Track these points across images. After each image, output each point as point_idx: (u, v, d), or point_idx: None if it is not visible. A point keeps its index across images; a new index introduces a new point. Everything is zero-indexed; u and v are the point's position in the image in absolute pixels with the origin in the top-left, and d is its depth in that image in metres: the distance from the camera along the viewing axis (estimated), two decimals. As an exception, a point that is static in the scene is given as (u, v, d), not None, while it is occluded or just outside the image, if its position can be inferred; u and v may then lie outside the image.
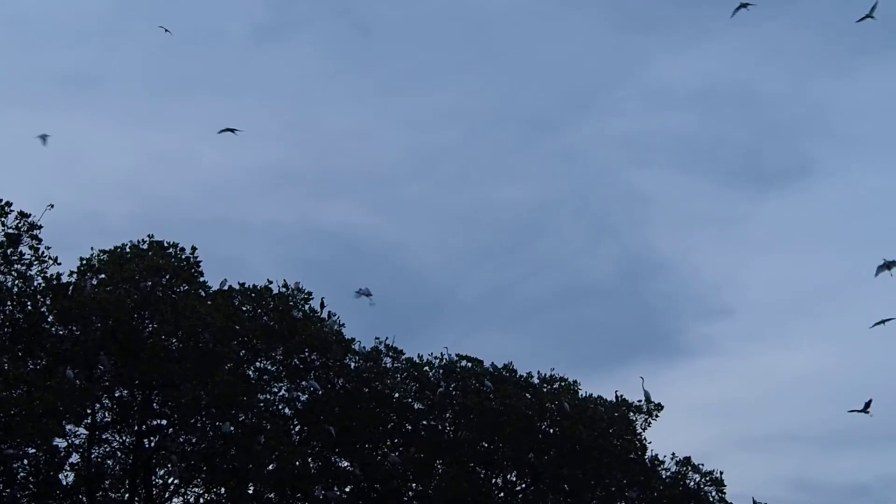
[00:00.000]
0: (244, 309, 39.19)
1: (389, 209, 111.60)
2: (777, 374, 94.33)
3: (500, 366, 45.51)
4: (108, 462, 37.48)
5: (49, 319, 35.83)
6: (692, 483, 47.87)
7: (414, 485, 42.91)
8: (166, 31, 35.08)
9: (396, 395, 43.02)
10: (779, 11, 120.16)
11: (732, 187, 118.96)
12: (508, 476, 45.72)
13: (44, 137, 35.31)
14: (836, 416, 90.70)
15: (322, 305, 40.95)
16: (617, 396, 46.99)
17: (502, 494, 45.32)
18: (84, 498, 35.85)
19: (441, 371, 44.41)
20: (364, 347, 41.88)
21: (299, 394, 40.48)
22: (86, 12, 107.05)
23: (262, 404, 39.35)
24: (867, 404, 35.92)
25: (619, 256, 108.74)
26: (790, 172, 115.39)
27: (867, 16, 32.38)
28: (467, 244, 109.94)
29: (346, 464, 41.54)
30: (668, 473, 47.46)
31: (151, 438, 37.86)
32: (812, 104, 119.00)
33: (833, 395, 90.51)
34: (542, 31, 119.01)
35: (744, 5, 32.94)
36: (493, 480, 45.24)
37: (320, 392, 40.15)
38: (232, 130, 35.79)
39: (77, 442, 36.43)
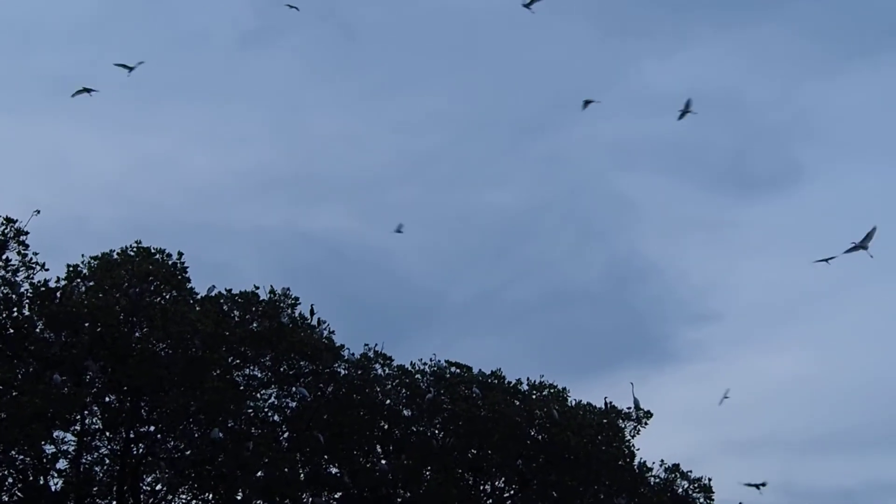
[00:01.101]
0: (233, 315, 39.05)
1: (376, 213, 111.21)
2: (764, 379, 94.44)
3: (488, 372, 45.53)
4: (96, 468, 37.32)
5: (37, 325, 35.63)
6: (680, 490, 47.90)
7: (403, 491, 42.81)
8: (292, 7, 34.90)
9: (387, 401, 42.95)
10: (765, 17, 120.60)
11: (719, 192, 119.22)
12: (497, 483, 45.66)
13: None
14: (823, 421, 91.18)
15: (312, 312, 40.88)
16: (606, 403, 46.97)
17: (490, 501, 45.30)
18: (72, 504, 35.71)
19: (430, 377, 44.37)
20: (353, 354, 41.81)
21: (288, 400, 40.40)
22: (72, 17, 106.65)
23: (250, 411, 39.26)
24: (762, 484, 38.73)
25: (606, 261, 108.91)
26: (777, 177, 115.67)
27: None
28: (455, 248, 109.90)
29: (335, 470, 41.48)
30: (657, 480, 47.47)
31: (140, 445, 37.69)
32: (799, 109, 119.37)
33: (819, 399, 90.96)
34: (530, 35, 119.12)
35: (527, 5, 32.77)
36: (482, 487, 45.20)
37: (309, 399, 40.04)
38: (88, 91, 35.22)
39: (66, 448, 36.24)
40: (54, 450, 35.93)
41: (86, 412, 36.64)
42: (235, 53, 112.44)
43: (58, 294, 35.90)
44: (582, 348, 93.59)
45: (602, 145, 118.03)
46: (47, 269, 35.68)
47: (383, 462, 41.99)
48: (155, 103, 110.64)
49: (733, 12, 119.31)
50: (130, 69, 34.56)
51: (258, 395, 40.09)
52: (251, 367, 39.84)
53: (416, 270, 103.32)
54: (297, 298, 40.67)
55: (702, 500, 48.04)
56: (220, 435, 36.69)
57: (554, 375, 46.85)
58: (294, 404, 40.57)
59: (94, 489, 36.75)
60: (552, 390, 46.08)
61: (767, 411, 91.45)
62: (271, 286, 40.39)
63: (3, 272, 34.86)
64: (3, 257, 34.88)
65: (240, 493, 38.16)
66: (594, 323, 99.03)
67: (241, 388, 39.13)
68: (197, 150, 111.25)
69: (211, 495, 38.28)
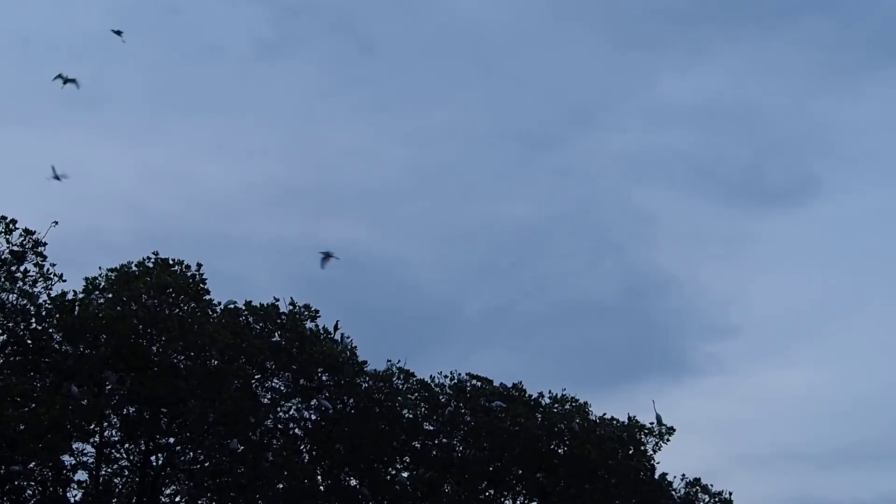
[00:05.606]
0: (254, 327, 38.82)
1: (390, 226, 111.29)
2: (780, 393, 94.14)
3: (509, 385, 45.20)
4: (116, 480, 37.13)
5: (55, 336, 35.42)
6: (702, 504, 47.67)
7: (423, 504, 42.51)
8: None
9: (406, 412, 42.62)
10: (779, 31, 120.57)
11: (736, 205, 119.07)
12: (517, 496, 45.26)
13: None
14: (839, 435, 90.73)
15: (336, 327, 40.74)
16: (629, 417, 46.58)
17: (511, 514, 45.00)
18: (91, 516, 35.50)
19: (450, 391, 44.07)
20: (375, 369, 41.54)
21: (310, 413, 40.18)
22: (86, 30, 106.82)
23: (269, 422, 39.00)
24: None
25: (622, 274, 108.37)
26: (793, 190, 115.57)
27: None
28: (469, 261, 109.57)
29: (355, 482, 41.16)
30: (678, 494, 47.10)
31: (159, 456, 37.45)
32: (814, 122, 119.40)
33: (835, 413, 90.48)
34: (544, 48, 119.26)
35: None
36: (502, 500, 44.82)
37: (331, 411, 39.79)
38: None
39: (85, 460, 36.04)
40: (74, 461, 35.73)
41: (105, 423, 36.45)
42: (250, 66, 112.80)
43: (76, 306, 35.61)
44: (599, 361, 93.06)
45: (616, 158, 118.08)
46: (65, 280, 35.54)
47: (403, 475, 41.73)
48: (169, 115, 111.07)
49: (748, 27, 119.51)
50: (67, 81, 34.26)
51: (279, 407, 39.80)
52: (272, 380, 39.62)
53: (430, 282, 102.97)
54: (317, 311, 40.53)
55: (723, 514, 47.85)
56: (239, 446, 36.46)
57: (572, 388, 46.40)
58: (315, 417, 40.34)
59: (114, 500, 36.61)
60: (574, 404, 45.71)
61: (784, 425, 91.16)
62: (291, 298, 40.26)
63: (21, 284, 34.63)
64: (22, 269, 34.68)
65: (259, 504, 37.94)
66: (611, 336, 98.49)
67: (262, 399, 38.88)
68: (211, 162, 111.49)
69: (230, 506, 38.03)
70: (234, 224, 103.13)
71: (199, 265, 38.48)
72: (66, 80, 33.98)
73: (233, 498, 37.57)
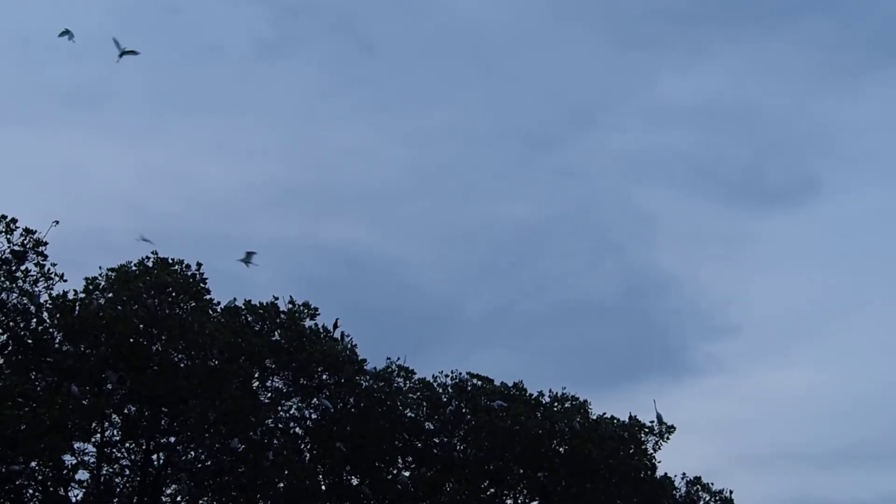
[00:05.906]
0: (254, 326, 38.81)
1: (391, 226, 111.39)
2: (780, 393, 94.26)
3: (510, 384, 45.20)
4: (117, 480, 37.14)
5: (56, 336, 35.41)
6: (702, 503, 47.65)
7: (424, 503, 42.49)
8: None
9: (407, 412, 42.64)
10: (779, 31, 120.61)
11: (736, 205, 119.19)
12: (518, 495, 45.27)
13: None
14: (838, 435, 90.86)
15: (336, 326, 40.71)
16: (630, 416, 46.64)
17: (512, 514, 44.99)
18: (92, 516, 35.49)
19: (451, 390, 44.08)
20: (375, 368, 41.53)
21: (310, 412, 40.19)
22: (86, 30, 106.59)
23: (270, 421, 39.01)
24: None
25: (622, 274, 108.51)
26: (793, 190, 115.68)
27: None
28: (469, 261, 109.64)
29: (356, 482, 41.17)
30: (679, 493, 47.13)
31: (160, 455, 37.45)
32: (814, 122, 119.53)
33: (835, 413, 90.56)
34: (544, 48, 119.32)
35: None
36: (504, 499, 44.81)
37: (332, 410, 39.79)
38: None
39: (86, 459, 36.04)
40: (75, 461, 35.75)
41: (105, 423, 36.45)
42: (250, 66, 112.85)
43: (76, 306, 35.61)
44: (599, 361, 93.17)
45: (616, 158, 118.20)
46: (65, 280, 35.52)
47: (405, 474, 41.72)
48: (169, 115, 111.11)
49: (748, 27, 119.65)
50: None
51: (280, 406, 39.81)
52: (273, 379, 39.61)
53: (430, 282, 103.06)
54: (316, 309, 40.49)
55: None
56: (240, 446, 36.46)
57: (572, 388, 46.50)
58: (315, 416, 40.34)
59: (115, 500, 36.59)
60: (574, 402, 45.75)
61: (784, 425, 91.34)
62: (290, 297, 40.24)
63: (22, 283, 34.62)
64: (23, 268, 34.67)
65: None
66: (611, 336, 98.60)
67: (263, 398, 38.88)
68: (211, 162, 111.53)
69: (231, 505, 38.03)
70: (234, 224, 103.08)
71: (199, 265, 38.45)
72: (125, 52, 33.61)
73: (234, 497, 37.59)
